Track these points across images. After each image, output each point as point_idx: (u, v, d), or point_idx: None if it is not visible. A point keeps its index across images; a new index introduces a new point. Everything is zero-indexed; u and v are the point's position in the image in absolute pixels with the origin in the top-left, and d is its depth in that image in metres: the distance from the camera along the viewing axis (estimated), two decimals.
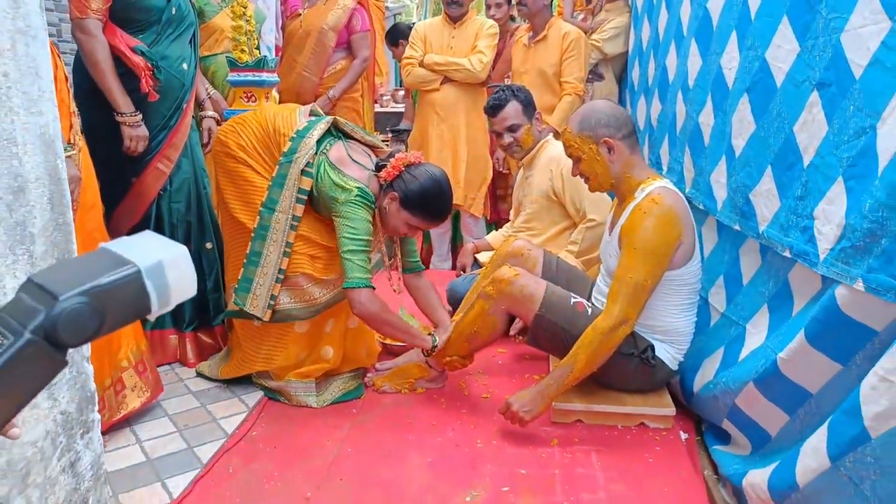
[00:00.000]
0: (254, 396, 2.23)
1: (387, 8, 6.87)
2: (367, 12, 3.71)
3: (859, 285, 1.25)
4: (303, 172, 2.05)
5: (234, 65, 2.81)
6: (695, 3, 2.17)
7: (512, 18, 4.15)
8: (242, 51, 2.86)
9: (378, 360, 2.43)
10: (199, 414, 2.12)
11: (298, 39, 3.53)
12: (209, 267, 2.48)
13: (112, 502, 1.66)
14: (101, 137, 2.27)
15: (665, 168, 2.44)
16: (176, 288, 0.60)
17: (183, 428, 2.03)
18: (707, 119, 2.01)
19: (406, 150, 2.18)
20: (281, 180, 2.05)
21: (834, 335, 1.34)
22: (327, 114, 3.39)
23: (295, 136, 2.08)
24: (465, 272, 2.93)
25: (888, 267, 1.20)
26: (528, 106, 2.64)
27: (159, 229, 2.41)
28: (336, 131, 2.19)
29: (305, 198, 2.05)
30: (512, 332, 2.50)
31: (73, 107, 1.72)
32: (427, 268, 3.93)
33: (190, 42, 2.42)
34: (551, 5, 3.58)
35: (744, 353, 1.69)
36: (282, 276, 2.04)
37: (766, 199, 1.61)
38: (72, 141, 1.63)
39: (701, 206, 2.04)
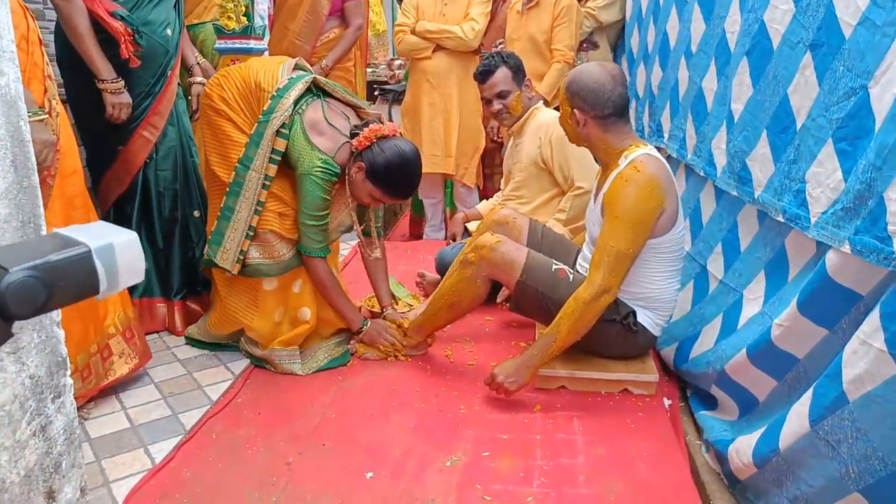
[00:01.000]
0: (240, 364, 2.25)
1: None
2: None
3: (846, 248, 1.24)
4: (277, 133, 2.05)
5: (220, 32, 2.77)
6: None
7: None
8: (229, 17, 2.82)
9: None
10: (185, 381, 2.14)
11: (291, 6, 3.46)
12: (197, 235, 2.48)
13: (93, 467, 1.69)
14: (87, 106, 2.26)
15: (667, 135, 2.42)
16: (125, 270, 0.63)
17: (168, 395, 2.05)
18: (710, 84, 1.98)
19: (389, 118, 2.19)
20: (258, 139, 2.06)
21: (822, 301, 1.34)
22: None
23: (275, 94, 2.08)
24: (455, 241, 2.92)
25: (873, 228, 1.19)
26: (518, 72, 2.61)
27: (146, 197, 2.41)
28: (316, 89, 2.17)
29: (279, 158, 2.07)
30: (499, 300, 2.51)
31: (49, 70, 1.70)
32: (421, 237, 3.97)
33: (174, 7, 2.39)
34: None
35: (742, 320, 1.69)
36: (251, 234, 2.09)
37: (761, 164, 1.60)
38: (45, 105, 1.61)
39: (702, 173, 2.03)
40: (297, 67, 2.21)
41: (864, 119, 1.23)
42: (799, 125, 1.45)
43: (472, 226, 2.94)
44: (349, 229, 2.31)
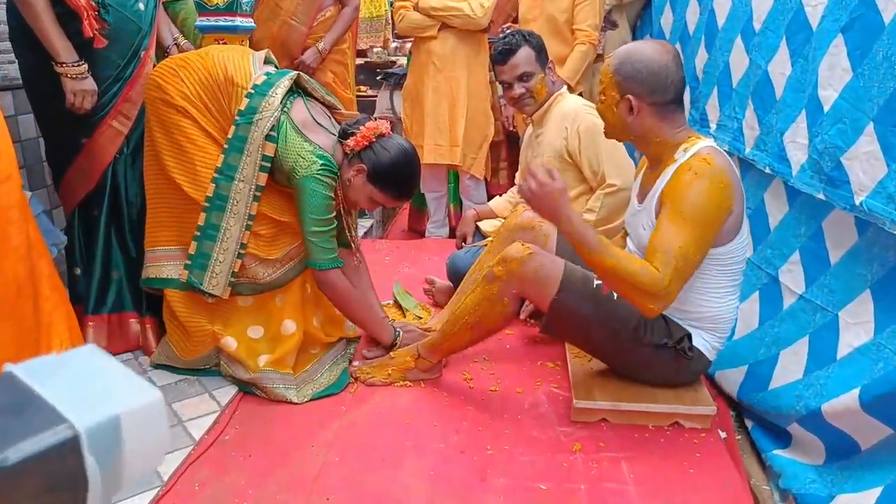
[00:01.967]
0: (227, 392, 1.95)
1: None
2: None
3: None
4: (267, 137, 1.78)
5: (202, 8, 2.43)
6: None
7: None
8: None
9: (364, 343, 2.16)
10: None
11: None
12: None
13: None
14: (46, 91, 1.94)
15: (713, 126, 2.13)
16: (134, 461, 0.37)
17: None
18: (781, 68, 1.69)
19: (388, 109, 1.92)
20: (240, 144, 1.80)
21: None
22: (316, 70, 3.07)
23: (253, 91, 1.81)
24: (465, 243, 2.63)
25: None
26: (541, 53, 2.31)
27: (116, 198, 2.09)
28: (295, 87, 1.92)
29: (269, 165, 1.81)
30: (522, 315, 2.22)
31: None
32: (422, 234, 3.67)
33: None
34: None
35: (843, 349, 1.41)
36: (243, 252, 1.85)
37: (865, 164, 1.31)
38: None
39: (767, 170, 1.74)
40: (266, 61, 1.94)
41: None
42: None
43: (484, 225, 2.64)
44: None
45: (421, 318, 2.32)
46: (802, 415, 1.48)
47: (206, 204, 1.82)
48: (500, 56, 2.29)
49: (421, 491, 1.52)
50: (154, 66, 2.15)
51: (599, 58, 3.36)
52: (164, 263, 1.94)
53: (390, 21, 5.28)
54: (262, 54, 1.94)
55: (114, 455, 0.35)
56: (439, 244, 3.32)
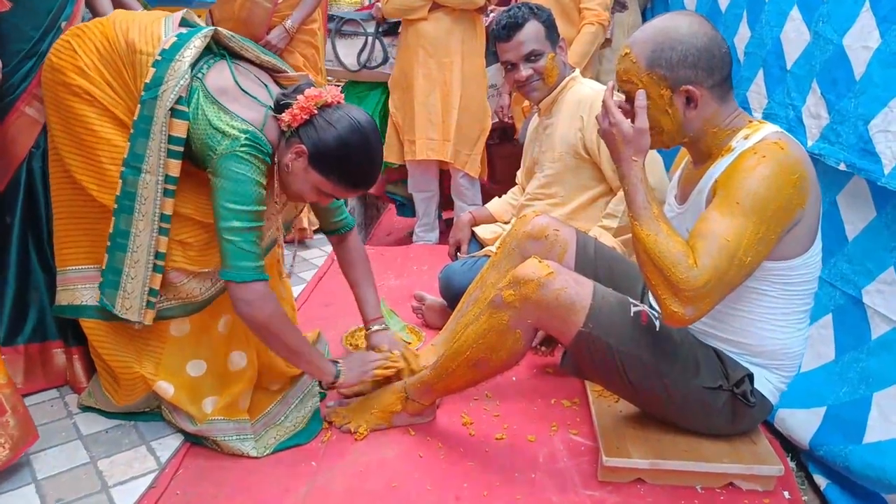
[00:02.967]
0: (170, 443, 1.57)
1: None
2: None
3: None
4: (173, 113, 1.39)
5: None
6: None
7: None
8: None
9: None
10: (84, 477, 1.46)
11: None
12: None
13: None
14: None
15: (760, 113, 1.78)
16: None
17: None
18: (860, 40, 1.34)
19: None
20: (145, 125, 1.40)
21: None
22: (283, 52, 2.69)
23: (160, 58, 1.42)
24: (461, 252, 2.26)
25: None
26: (552, 29, 1.95)
27: (33, 202, 1.71)
28: (218, 48, 1.52)
29: (181, 149, 1.42)
30: (534, 343, 1.85)
31: None
32: (411, 241, 3.30)
33: None
34: None
35: None
36: (160, 263, 1.46)
37: None
38: None
39: (841, 167, 1.39)
40: (183, 23, 1.53)
41: None
42: None
43: (481, 231, 2.28)
44: (274, 243, 1.66)
45: (409, 342, 1.95)
46: None
47: (116, 206, 1.45)
48: (505, 31, 1.92)
49: None
50: None
51: (606, 42, 3.02)
52: (77, 287, 1.56)
53: None
54: (177, 16, 1.54)
55: None
56: (429, 251, 2.96)
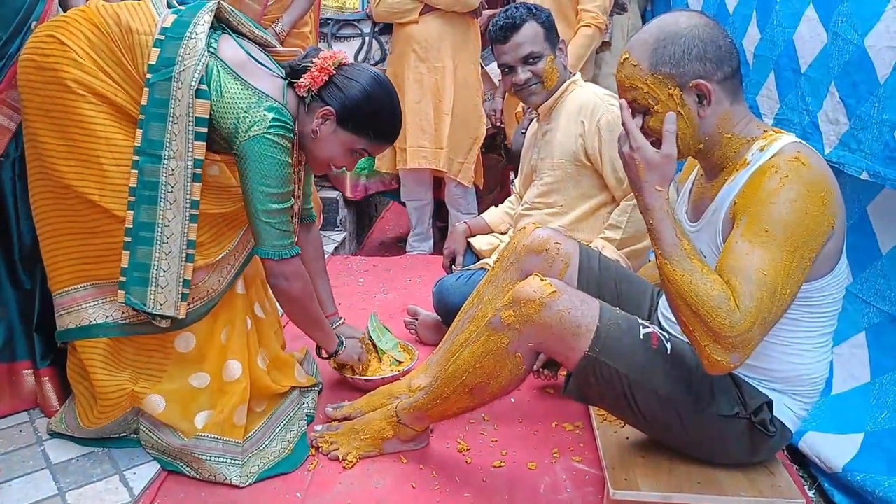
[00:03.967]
0: (144, 472, 1.46)
1: None
2: None
3: None
4: (197, 93, 1.35)
5: None
6: None
7: None
8: None
9: (330, 398, 1.70)
10: None
11: None
12: None
13: None
14: None
15: (771, 119, 1.69)
16: None
17: None
18: (887, 40, 1.25)
19: None
20: (160, 109, 1.35)
21: None
22: None
23: (164, 37, 1.36)
24: (455, 265, 2.16)
25: None
26: (551, 31, 1.87)
27: (3, 212, 1.60)
28: (217, 22, 1.47)
29: (206, 130, 1.37)
30: (536, 366, 1.75)
31: None
32: (404, 250, 3.20)
33: None
34: None
35: None
36: (192, 252, 1.41)
37: None
38: None
39: (864, 176, 1.31)
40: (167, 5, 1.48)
41: None
42: None
43: (477, 242, 2.18)
44: None
45: (401, 362, 1.85)
46: None
47: (132, 197, 1.37)
48: (502, 32, 1.83)
49: None
50: None
51: (605, 45, 2.94)
52: (83, 306, 1.44)
53: None
54: None
55: None
56: (423, 262, 2.86)
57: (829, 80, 1.44)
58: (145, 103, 1.35)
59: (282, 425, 1.56)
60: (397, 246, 3.37)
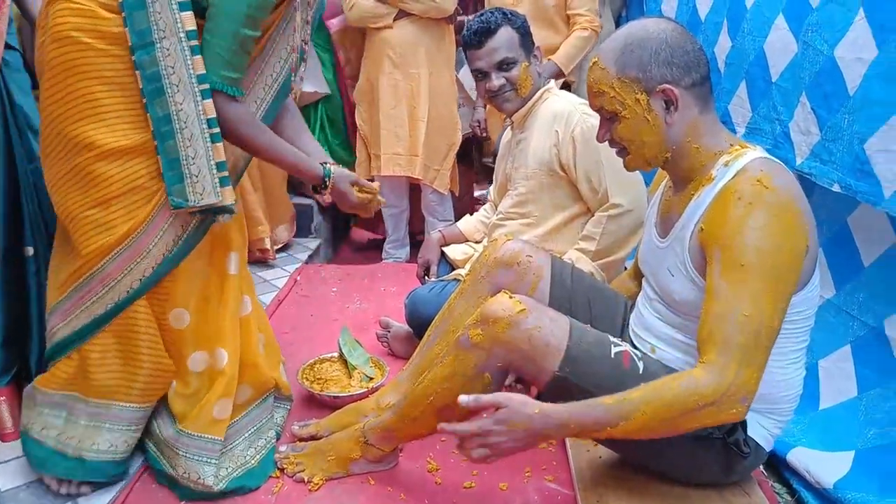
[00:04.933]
0: (96, 499, 1.39)
1: None
2: None
3: None
4: None
5: None
6: None
7: None
8: None
9: (298, 415, 1.64)
10: None
11: None
12: (31, 284, 1.59)
13: None
14: None
15: (743, 128, 1.68)
16: None
17: None
18: (856, 52, 1.24)
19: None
20: None
21: None
22: None
23: None
24: (429, 274, 2.12)
25: None
26: (526, 37, 1.84)
27: None
28: None
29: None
30: (508, 382, 1.71)
31: None
32: (380, 257, 3.15)
33: None
34: None
35: None
36: (215, 130, 1.33)
37: None
38: None
39: (836, 188, 1.29)
40: None
41: None
42: None
43: (451, 252, 2.14)
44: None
45: (371, 378, 1.80)
46: None
47: (144, 97, 1.30)
48: (476, 37, 1.80)
49: None
50: (12, 47, 1.62)
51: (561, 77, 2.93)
52: (76, 313, 1.37)
53: None
54: None
55: None
56: (398, 270, 2.82)
57: (801, 90, 1.42)
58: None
59: (252, 430, 1.50)
60: (373, 254, 3.32)
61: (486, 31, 1.78)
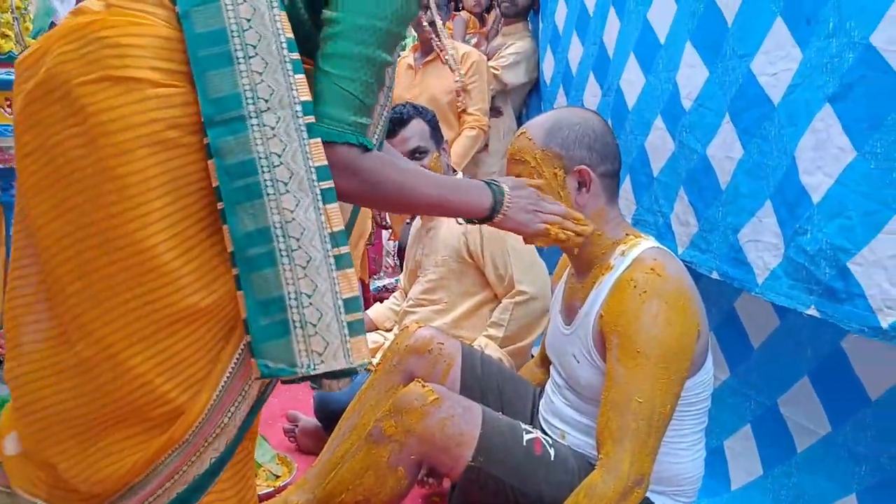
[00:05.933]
0: None
1: None
2: None
3: None
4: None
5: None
6: None
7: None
8: (5, 35, 1.95)
9: None
10: None
11: None
12: None
13: None
14: None
15: (629, 220, 1.80)
16: None
17: None
18: (725, 151, 1.39)
19: None
20: (215, 46, 0.86)
21: None
22: None
23: None
24: None
25: None
26: (436, 130, 1.95)
27: None
28: None
29: (299, 56, 0.91)
30: (421, 475, 1.67)
31: None
32: None
33: None
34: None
35: None
36: (344, 251, 0.91)
37: (892, 271, 0.97)
38: None
39: (715, 276, 1.40)
40: None
41: None
42: None
43: None
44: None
45: (278, 476, 1.71)
46: None
47: (222, 201, 0.86)
48: (390, 126, 1.87)
49: None
50: None
51: (483, 147, 3.10)
52: None
53: None
54: None
55: None
56: None
57: (679, 185, 1.57)
58: (191, 34, 0.86)
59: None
60: None
61: (400, 122, 1.87)
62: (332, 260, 0.88)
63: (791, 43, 1.22)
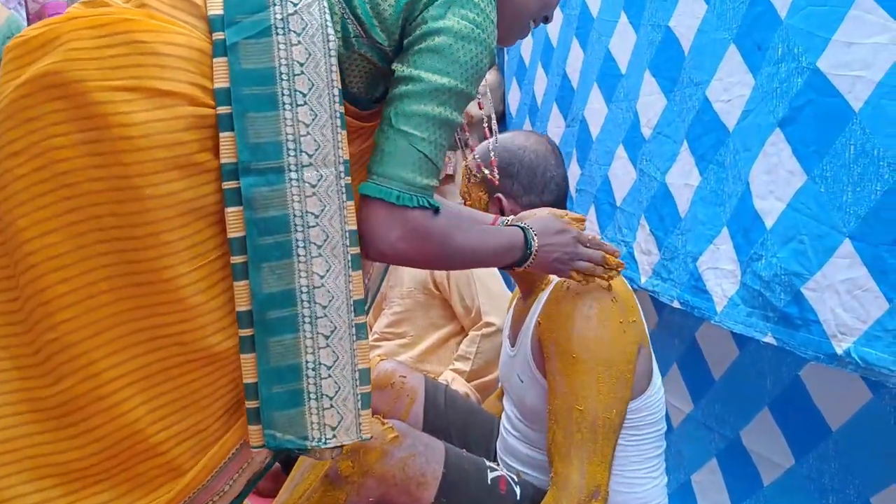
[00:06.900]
0: None
1: None
2: None
3: None
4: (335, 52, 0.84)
5: None
6: (648, 24, 1.56)
7: None
8: None
9: None
10: None
11: None
12: None
13: None
14: None
15: None
16: None
17: None
18: (684, 178, 1.39)
19: None
20: (260, 86, 0.80)
21: None
22: None
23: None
24: None
25: None
26: None
27: None
28: None
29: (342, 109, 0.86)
30: None
31: None
32: None
33: None
34: None
35: None
36: (361, 320, 0.87)
37: (844, 296, 0.96)
38: None
39: (676, 304, 1.39)
40: None
41: None
42: None
43: None
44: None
45: None
46: None
47: (240, 257, 0.81)
48: None
49: None
50: None
51: (449, 178, 3.09)
52: None
53: None
54: None
55: None
56: None
57: (640, 214, 1.56)
58: (224, 84, 0.79)
59: None
60: None
61: None
62: (353, 328, 0.84)
63: (744, 69, 1.23)
